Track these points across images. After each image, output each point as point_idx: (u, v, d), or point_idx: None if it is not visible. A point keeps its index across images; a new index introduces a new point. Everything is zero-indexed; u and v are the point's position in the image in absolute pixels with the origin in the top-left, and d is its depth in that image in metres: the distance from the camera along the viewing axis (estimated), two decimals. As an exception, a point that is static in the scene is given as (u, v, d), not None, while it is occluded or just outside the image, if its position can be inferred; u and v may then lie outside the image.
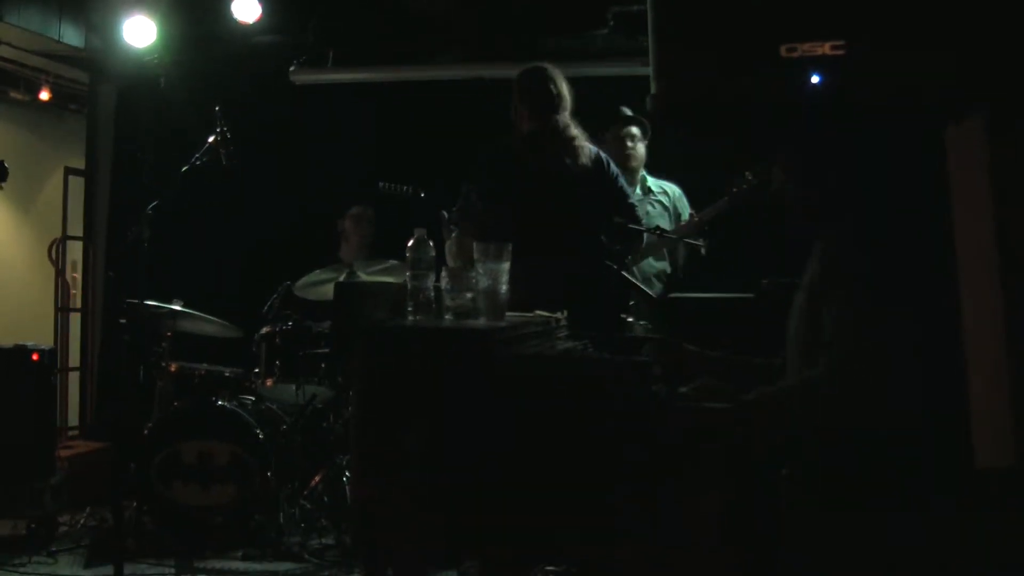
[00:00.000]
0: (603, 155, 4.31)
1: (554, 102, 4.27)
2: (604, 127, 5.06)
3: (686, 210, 5.12)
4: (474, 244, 2.76)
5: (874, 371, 2.61)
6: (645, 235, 4.53)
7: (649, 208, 5.05)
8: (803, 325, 2.83)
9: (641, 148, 5.05)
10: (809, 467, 2.61)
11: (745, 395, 2.67)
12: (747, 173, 4.67)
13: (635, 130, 5.04)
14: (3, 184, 4.23)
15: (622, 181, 4.36)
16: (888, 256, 2.75)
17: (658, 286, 4.94)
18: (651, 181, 5.15)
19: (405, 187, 4.64)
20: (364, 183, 5.96)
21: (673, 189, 5.17)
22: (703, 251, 4.70)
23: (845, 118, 2.89)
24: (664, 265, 5.07)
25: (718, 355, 3.06)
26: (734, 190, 4.74)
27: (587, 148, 4.26)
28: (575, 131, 4.26)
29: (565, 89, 4.31)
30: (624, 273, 4.05)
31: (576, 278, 3.88)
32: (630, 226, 4.18)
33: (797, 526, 2.55)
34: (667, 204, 5.11)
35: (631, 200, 4.35)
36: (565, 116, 4.27)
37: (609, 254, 4.13)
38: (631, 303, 4.43)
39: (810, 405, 2.61)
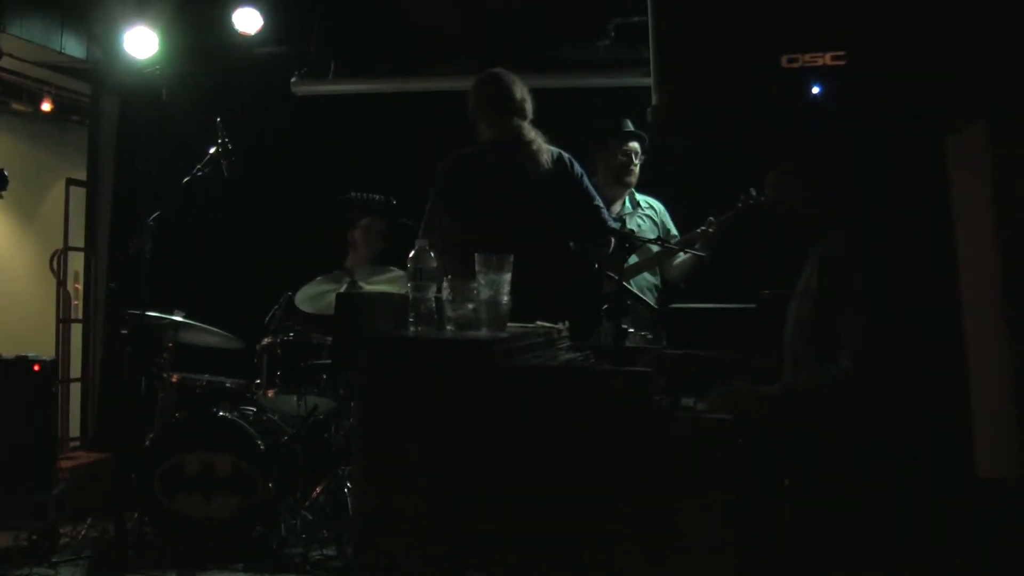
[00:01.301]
0: (566, 156, 4.28)
1: (511, 108, 4.25)
2: (604, 137, 5.07)
3: (671, 225, 5.13)
4: (447, 258, 2.76)
5: (876, 373, 2.62)
6: (649, 248, 4.53)
7: (639, 222, 5.05)
8: (800, 331, 2.84)
9: (637, 162, 5.05)
10: (810, 469, 2.62)
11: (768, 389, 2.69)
12: (751, 190, 4.66)
13: (637, 146, 5.04)
14: (3, 193, 4.24)
15: (587, 182, 4.31)
16: (890, 259, 2.76)
17: (652, 299, 4.93)
18: (639, 196, 5.15)
19: (376, 196, 4.64)
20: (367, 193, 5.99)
21: (658, 205, 5.19)
22: (704, 262, 4.71)
23: (846, 124, 2.90)
24: (656, 280, 5.07)
25: (710, 355, 3.08)
26: (739, 206, 4.73)
27: (547, 152, 4.22)
28: (533, 135, 4.23)
29: (523, 94, 4.29)
30: (625, 283, 4.03)
31: (546, 283, 3.85)
32: (634, 236, 4.17)
33: (798, 529, 2.55)
34: (655, 219, 5.12)
35: (597, 202, 4.29)
36: (523, 121, 4.25)
37: (608, 263, 4.12)
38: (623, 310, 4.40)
39: (838, 399, 2.63)
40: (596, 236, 4.19)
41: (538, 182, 4.16)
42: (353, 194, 4.70)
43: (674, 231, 5.12)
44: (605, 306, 4.04)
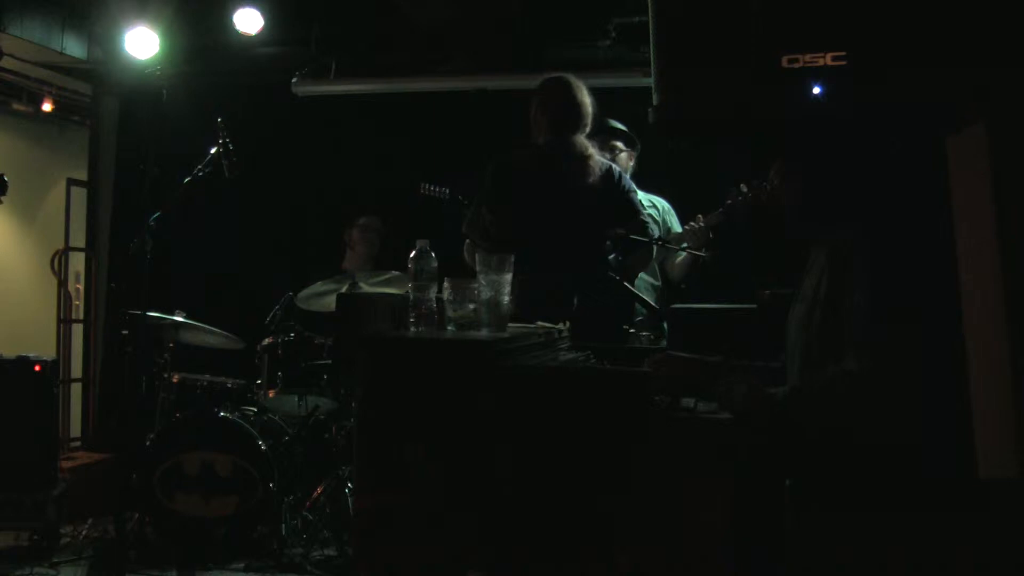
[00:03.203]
0: (615, 169, 4.29)
1: (571, 119, 4.24)
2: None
3: (675, 224, 5.10)
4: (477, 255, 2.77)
5: (882, 375, 2.62)
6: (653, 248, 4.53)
7: None
8: (808, 335, 2.83)
9: (623, 158, 5.01)
10: (810, 469, 2.62)
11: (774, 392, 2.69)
12: (741, 185, 4.65)
13: (617, 143, 5.01)
14: (3, 198, 4.25)
15: (634, 196, 4.31)
16: (891, 260, 2.76)
17: (651, 299, 4.90)
18: (641, 195, 5.12)
19: (445, 189, 4.63)
20: (366, 194, 6.01)
21: (662, 203, 5.14)
22: (705, 260, 4.68)
23: (847, 124, 2.91)
24: (654, 280, 5.04)
25: (717, 360, 3.08)
26: (728, 202, 4.71)
27: (598, 165, 4.22)
28: (586, 146, 4.23)
29: (585, 103, 4.28)
30: (627, 284, 4.04)
31: (580, 292, 3.86)
32: (632, 237, 4.17)
33: (798, 529, 2.55)
34: (656, 218, 5.08)
35: (642, 216, 4.29)
36: (579, 132, 4.24)
37: (614, 266, 4.13)
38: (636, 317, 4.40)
39: (844, 401, 2.63)
40: (631, 244, 4.19)
41: (584, 193, 4.17)
42: (422, 186, 4.69)
43: (677, 229, 5.08)
44: (639, 319, 4.06)
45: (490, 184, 4.27)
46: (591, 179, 4.18)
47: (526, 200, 4.17)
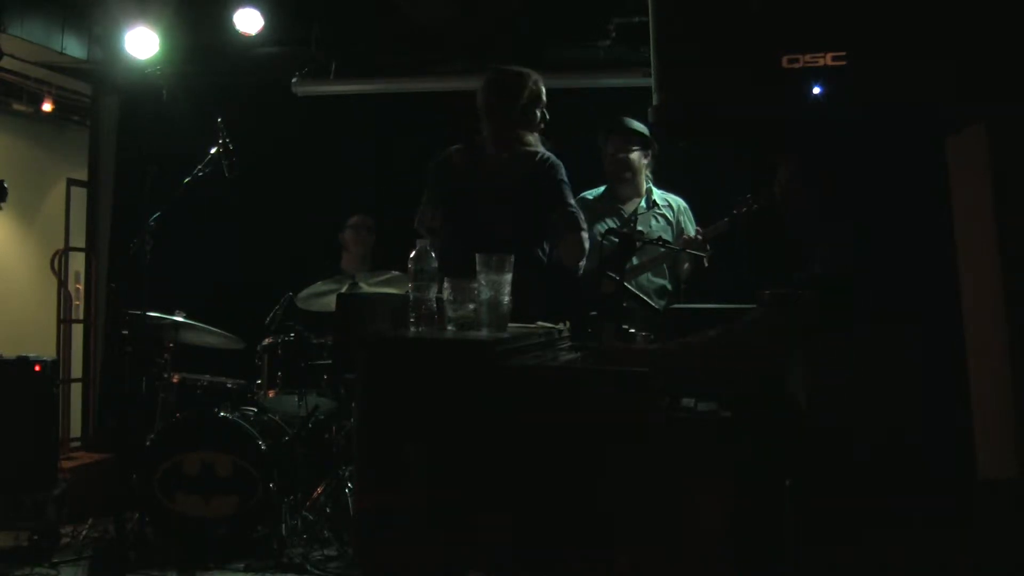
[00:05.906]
0: (548, 160, 4.26)
1: (510, 110, 4.29)
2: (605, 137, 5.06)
3: (690, 223, 5.05)
4: (476, 256, 2.76)
5: (879, 375, 2.62)
6: (655, 248, 4.51)
7: (652, 222, 4.99)
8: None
9: (634, 158, 4.98)
10: (811, 469, 2.62)
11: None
12: (748, 196, 4.64)
13: (634, 145, 5.00)
14: (3, 204, 4.26)
15: (564, 187, 4.25)
16: (892, 260, 2.76)
17: (659, 302, 4.86)
18: (657, 194, 5.09)
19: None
20: (366, 194, 6.01)
21: (678, 202, 5.10)
22: (706, 263, 4.68)
23: (847, 124, 2.91)
24: (664, 281, 5.02)
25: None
26: (734, 211, 4.71)
27: (534, 155, 4.24)
28: (522, 137, 4.27)
29: (529, 98, 4.31)
30: (626, 284, 4.02)
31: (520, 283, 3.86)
32: (624, 232, 4.16)
33: (798, 529, 2.55)
34: (670, 218, 5.04)
35: (571, 208, 4.23)
36: (521, 125, 4.29)
37: (609, 265, 4.11)
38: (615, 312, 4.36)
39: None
40: (567, 240, 4.20)
41: (520, 184, 4.18)
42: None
43: (689, 230, 5.05)
44: (593, 313, 4.04)
45: (431, 179, 4.35)
46: (527, 169, 4.20)
47: (463, 192, 4.24)
